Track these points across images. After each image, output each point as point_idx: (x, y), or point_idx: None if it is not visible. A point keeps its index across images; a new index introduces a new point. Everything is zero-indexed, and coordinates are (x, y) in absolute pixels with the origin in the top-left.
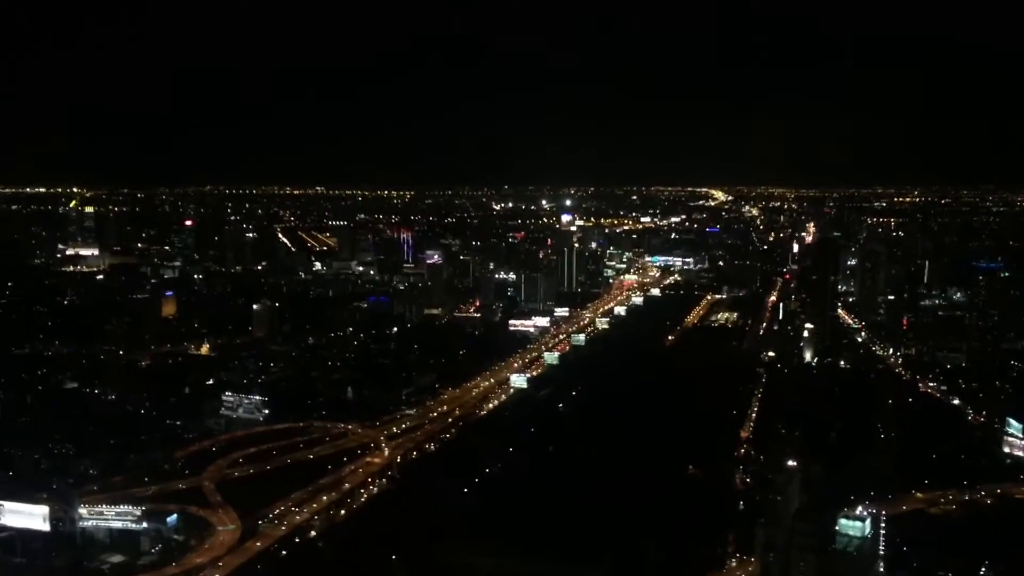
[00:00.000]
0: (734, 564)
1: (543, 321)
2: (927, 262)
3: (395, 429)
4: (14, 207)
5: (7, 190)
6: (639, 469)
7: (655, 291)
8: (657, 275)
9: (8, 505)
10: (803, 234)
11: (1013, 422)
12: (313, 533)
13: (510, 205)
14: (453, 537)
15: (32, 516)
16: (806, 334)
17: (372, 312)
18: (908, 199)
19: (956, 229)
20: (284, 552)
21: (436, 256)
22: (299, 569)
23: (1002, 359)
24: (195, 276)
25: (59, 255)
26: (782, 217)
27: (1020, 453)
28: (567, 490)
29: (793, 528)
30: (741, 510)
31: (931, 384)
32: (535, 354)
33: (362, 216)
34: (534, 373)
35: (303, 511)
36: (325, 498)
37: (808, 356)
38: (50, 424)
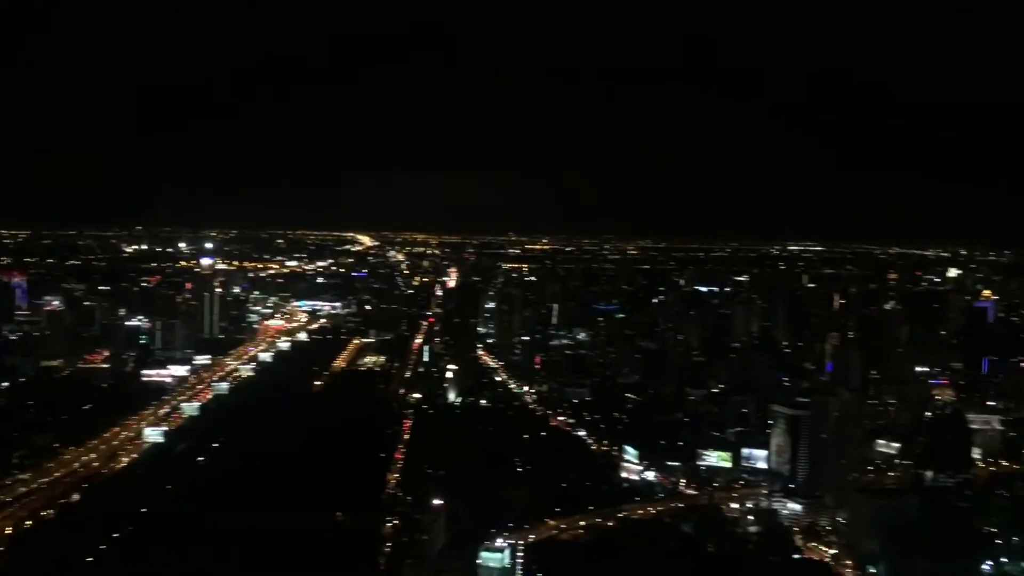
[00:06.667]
0: None
1: (181, 370)
2: (556, 305)
3: (4, 497)
4: None
5: None
6: (284, 521)
7: (302, 336)
8: (304, 320)
9: None
10: (446, 279)
11: (629, 449)
12: None
13: (143, 247)
14: None
15: None
16: (450, 375)
17: None
18: (538, 246)
19: (579, 275)
20: None
21: (56, 302)
22: None
23: (619, 392)
24: None
25: None
26: (426, 262)
27: (635, 477)
28: (207, 556)
29: (439, 566)
30: (388, 551)
31: (560, 417)
32: (172, 405)
33: None
34: (172, 426)
35: None
36: None
37: (452, 396)
38: None
